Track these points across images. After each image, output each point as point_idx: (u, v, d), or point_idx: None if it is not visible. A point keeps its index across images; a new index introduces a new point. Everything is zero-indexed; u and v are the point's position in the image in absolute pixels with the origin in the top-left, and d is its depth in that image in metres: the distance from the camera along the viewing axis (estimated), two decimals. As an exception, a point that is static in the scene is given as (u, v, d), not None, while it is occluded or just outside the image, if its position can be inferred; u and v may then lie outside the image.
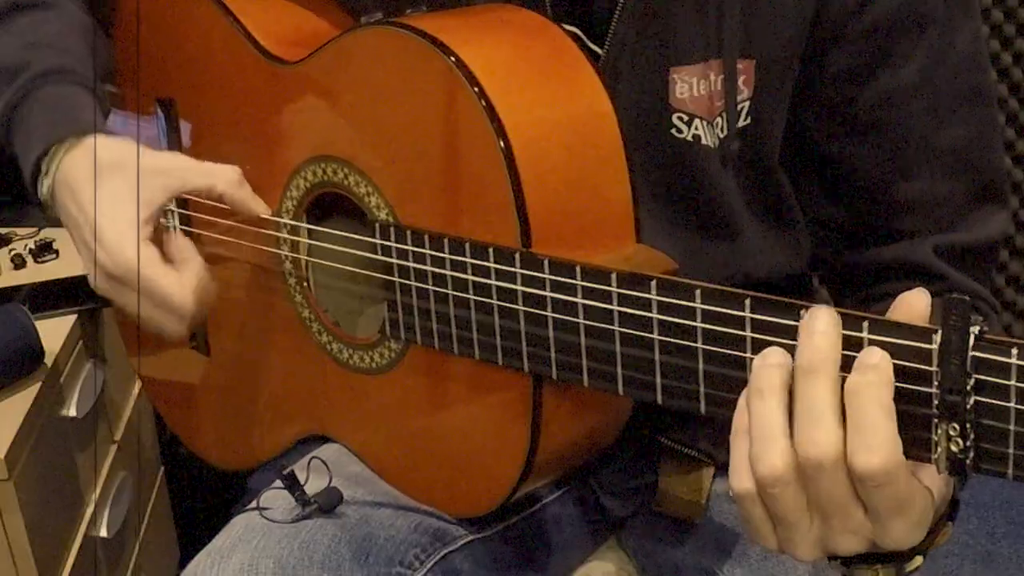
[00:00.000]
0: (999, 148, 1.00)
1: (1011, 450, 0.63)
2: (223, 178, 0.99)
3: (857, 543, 0.70)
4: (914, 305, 0.68)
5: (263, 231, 1.03)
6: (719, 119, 0.94)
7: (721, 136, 0.95)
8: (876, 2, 0.92)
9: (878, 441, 0.65)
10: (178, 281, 0.98)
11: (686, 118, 0.94)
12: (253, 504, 0.98)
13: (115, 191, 0.97)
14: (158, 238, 0.99)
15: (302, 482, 0.97)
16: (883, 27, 0.93)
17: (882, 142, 0.97)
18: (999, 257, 1.04)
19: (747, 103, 0.95)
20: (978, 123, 0.97)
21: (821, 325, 0.67)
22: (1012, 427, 0.62)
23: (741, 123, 0.95)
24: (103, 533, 1.59)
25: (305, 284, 1.02)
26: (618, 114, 0.88)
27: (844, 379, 0.67)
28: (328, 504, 0.97)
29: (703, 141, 0.95)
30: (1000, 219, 1.00)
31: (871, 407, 0.66)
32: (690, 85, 0.93)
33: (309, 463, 1.00)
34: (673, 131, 0.95)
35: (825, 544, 0.71)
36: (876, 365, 0.66)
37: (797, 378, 0.68)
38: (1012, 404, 0.62)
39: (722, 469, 0.99)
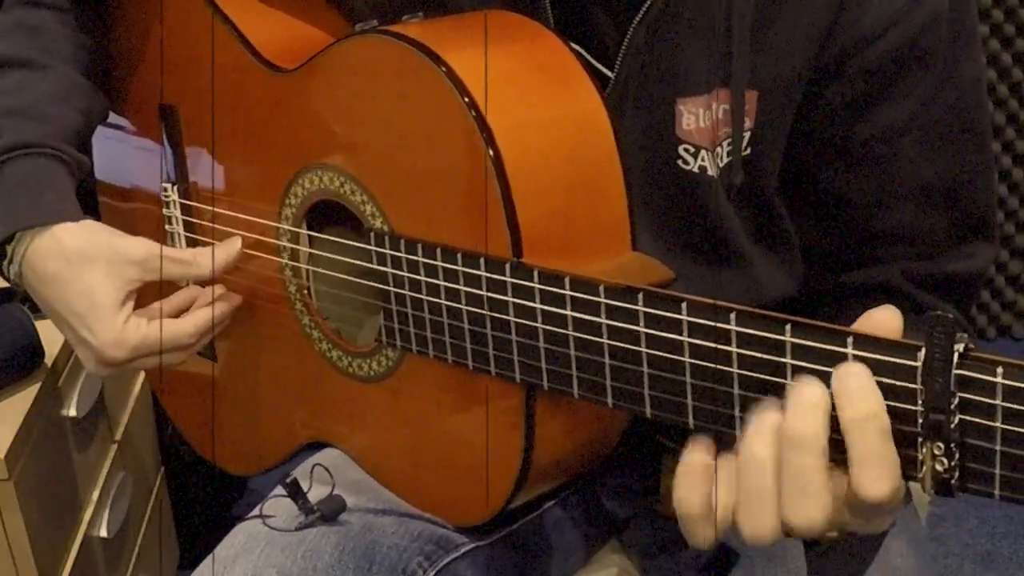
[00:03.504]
0: (990, 185, 0.99)
1: (997, 470, 0.62)
2: (198, 267, 1.02)
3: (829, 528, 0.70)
4: (882, 324, 0.68)
5: (264, 239, 1.03)
6: (719, 148, 0.93)
7: (721, 165, 0.94)
8: (882, 40, 0.90)
9: (887, 469, 0.65)
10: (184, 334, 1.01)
11: (692, 149, 0.93)
12: (256, 512, 0.98)
13: (89, 282, 0.98)
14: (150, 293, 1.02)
15: (305, 489, 0.97)
16: (886, 64, 0.91)
17: (871, 173, 0.96)
18: (979, 290, 1.02)
19: (748, 133, 0.94)
20: (969, 159, 0.96)
21: (812, 398, 0.67)
22: (998, 447, 0.62)
23: (742, 153, 0.94)
24: (103, 533, 1.60)
25: (305, 292, 1.03)
26: (624, 145, 0.87)
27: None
28: (331, 512, 0.97)
29: (709, 172, 0.94)
30: (984, 255, 0.99)
31: (873, 439, 0.65)
32: (696, 116, 0.93)
33: (312, 470, 1.00)
34: (679, 162, 0.94)
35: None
36: (862, 391, 0.65)
37: (785, 449, 0.67)
38: (998, 424, 0.62)
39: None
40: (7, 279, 1.03)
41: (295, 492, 0.97)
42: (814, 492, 0.66)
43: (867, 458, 0.65)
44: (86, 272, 0.98)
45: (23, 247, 0.99)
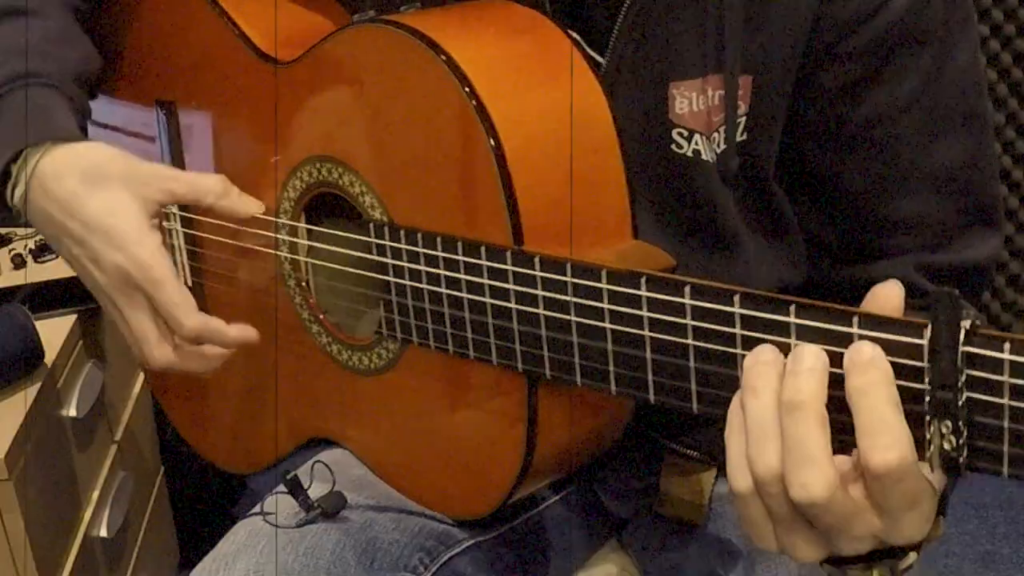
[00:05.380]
0: (993, 170, 0.99)
1: (1005, 447, 0.62)
2: (208, 190, 0.98)
3: (863, 545, 0.69)
4: (889, 296, 0.68)
5: (261, 232, 1.03)
6: (715, 134, 0.94)
7: (718, 151, 0.94)
8: (873, 20, 0.90)
9: (893, 438, 0.64)
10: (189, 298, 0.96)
11: (686, 133, 0.93)
12: (257, 509, 0.98)
13: (110, 199, 0.95)
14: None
15: (306, 486, 0.97)
16: (880, 45, 0.91)
17: (873, 160, 0.95)
18: (988, 280, 1.01)
19: (743, 119, 0.94)
20: (972, 144, 0.96)
21: (808, 362, 0.66)
22: (1006, 424, 0.61)
23: (738, 138, 0.94)
24: (103, 533, 1.60)
25: (304, 285, 1.02)
26: (617, 128, 0.87)
27: (838, 378, 0.66)
28: (332, 509, 0.97)
29: (703, 156, 0.94)
30: (991, 243, 0.99)
31: (880, 406, 0.64)
32: (690, 100, 0.92)
33: (312, 467, 1.00)
34: (673, 146, 0.94)
35: (828, 548, 0.69)
36: (872, 361, 0.65)
37: (783, 415, 0.67)
38: (1005, 400, 0.61)
39: (724, 471, 0.98)
40: (6, 205, 0.99)
41: (296, 489, 0.97)
42: (813, 459, 0.65)
43: (871, 425, 0.64)
44: (106, 188, 0.95)
45: (31, 164, 0.97)
